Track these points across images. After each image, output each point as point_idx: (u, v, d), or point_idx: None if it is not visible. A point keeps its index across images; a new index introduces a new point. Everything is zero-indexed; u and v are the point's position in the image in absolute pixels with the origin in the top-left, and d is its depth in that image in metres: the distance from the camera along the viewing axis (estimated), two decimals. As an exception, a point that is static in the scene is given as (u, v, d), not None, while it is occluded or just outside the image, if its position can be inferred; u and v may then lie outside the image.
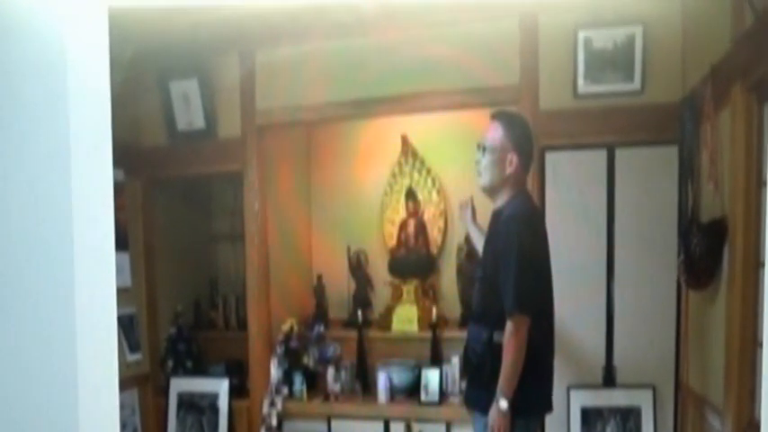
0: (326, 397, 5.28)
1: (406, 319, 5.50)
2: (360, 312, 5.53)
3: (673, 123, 4.24)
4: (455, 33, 4.66)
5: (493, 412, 3.52)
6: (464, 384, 4.59)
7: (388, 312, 5.62)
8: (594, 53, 4.40)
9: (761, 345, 3.18)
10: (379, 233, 6.00)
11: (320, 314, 5.82)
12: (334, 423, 5.18)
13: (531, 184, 4.10)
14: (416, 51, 4.77)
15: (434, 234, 5.83)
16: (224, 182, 6.09)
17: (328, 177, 6.17)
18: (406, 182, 5.85)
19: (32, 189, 1.52)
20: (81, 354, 1.53)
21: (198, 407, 5.49)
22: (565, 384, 4.51)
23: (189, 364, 5.71)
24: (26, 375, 1.57)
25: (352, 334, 5.54)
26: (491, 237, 3.72)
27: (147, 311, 5.65)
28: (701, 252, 3.69)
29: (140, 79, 5.34)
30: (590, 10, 4.41)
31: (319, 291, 5.92)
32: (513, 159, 3.58)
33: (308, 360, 5.35)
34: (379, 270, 5.88)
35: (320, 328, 5.43)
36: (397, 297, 5.67)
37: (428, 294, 5.69)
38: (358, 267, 5.86)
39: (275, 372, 5.24)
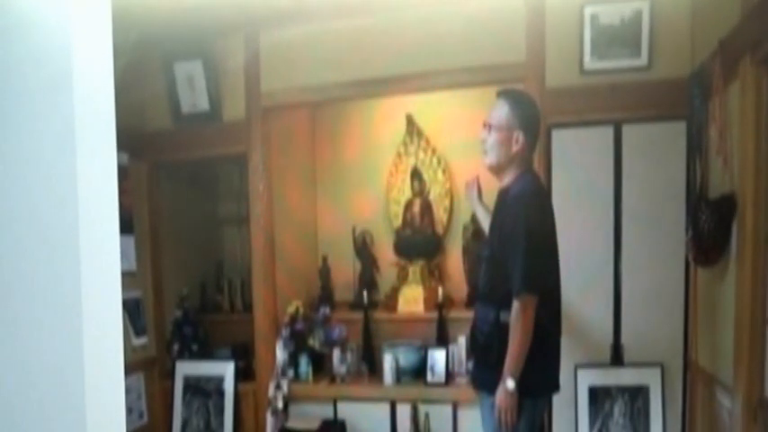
0: (332, 379, 5.28)
1: (412, 299, 5.49)
2: (365, 293, 5.53)
3: (681, 98, 4.22)
4: (460, 12, 4.64)
5: (500, 392, 3.51)
6: (471, 365, 4.58)
7: (394, 293, 5.62)
8: (601, 29, 4.38)
9: (771, 322, 3.17)
10: (385, 213, 6.01)
11: (326, 296, 5.83)
12: (340, 405, 5.18)
13: (537, 162, 4.09)
14: (421, 30, 4.75)
15: (440, 214, 5.83)
16: (229, 164, 6.10)
17: (333, 158, 6.18)
18: (411, 161, 5.85)
19: (37, 173, 1.50)
20: (87, 338, 1.51)
21: (204, 390, 5.49)
22: (572, 363, 4.51)
23: (195, 347, 5.73)
24: (32, 360, 1.56)
25: (358, 315, 5.54)
26: (497, 216, 3.70)
27: (153, 295, 5.66)
28: (709, 228, 3.67)
29: (145, 62, 5.33)
30: (596, -15, 4.39)
31: (325, 272, 5.92)
32: (519, 138, 3.55)
33: (314, 342, 5.35)
34: (384, 251, 5.89)
35: (326, 310, 5.43)
36: (402, 278, 5.68)
37: (434, 274, 5.70)
38: (363, 248, 5.87)
39: (281, 354, 5.24)
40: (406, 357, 5.23)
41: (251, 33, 5.17)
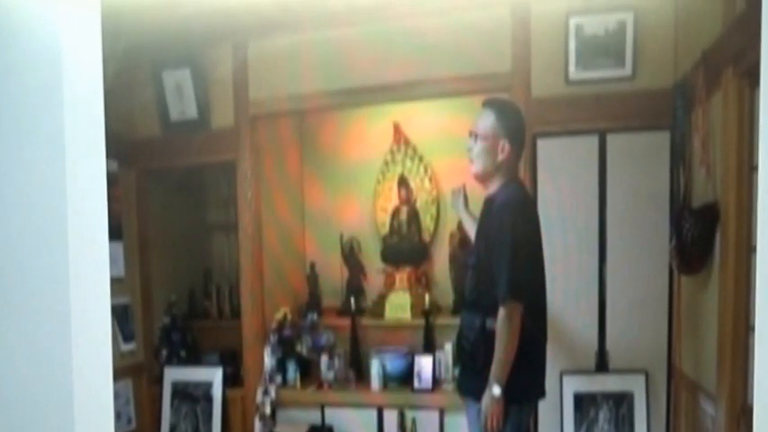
0: (320, 385, 5.29)
1: (398, 306, 5.50)
2: (353, 300, 5.53)
3: (664, 109, 4.25)
4: (447, 22, 4.66)
5: (486, 399, 3.54)
6: (457, 371, 4.61)
7: (381, 300, 5.62)
8: (586, 40, 4.41)
9: (753, 329, 3.19)
10: (372, 221, 6.00)
11: (313, 302, 5.82)
12: (327, 411, 5.19)
13: (523, 170, 4.11)
14: (408, 40, 4.77)
15: (427, 221, 5.83)
16: (217, 172, 6.09)
17: (321, 166, 6.17)
18: (398, 170, 5.85)
19: (27, 180, 1.52)
20: (75, 344, 1.53)
21: (192, 396, 5.49)
22: (557, 370, 4.53)
23: (183, 353, 5.72)
24: (21, 366, 1.57)
25: (346, 322, 5.53)
26: (483, 224, 3.73)
27: (142, 301, 5.65)
28: (693, 237, 3.70)
29: (134, 71, 5.33)
30: (581, -4, 4.43)
31: (312, 279, 5.92)
32: (505, 146, 3.59)
33: (302, 348, 5.35)
34: (371, 258, 5.89)
35: (313, 317, 5.44)
36: (389, 285, 5.67)
37: (421, 282, 5.69)
38: (351, 255, 5.87)
39: (269, 360, 5.25)
40: (393, 364, 5.24)
41: (239, 42, 5.18)
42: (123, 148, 5.32)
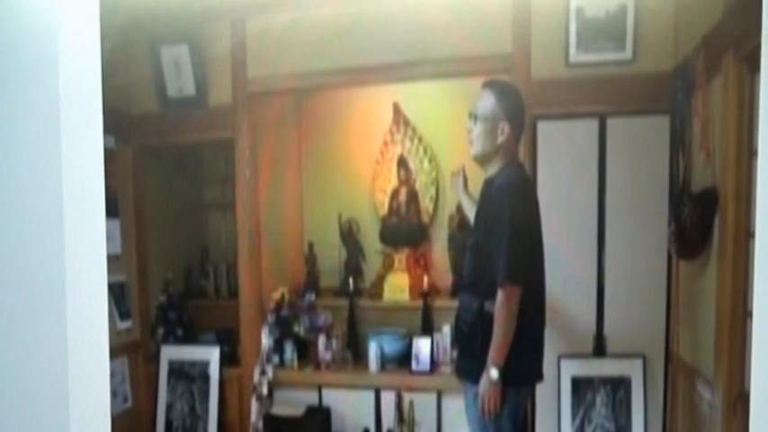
0: (317, 366, 5.29)
1: (397, 287, 5.50)
2: (351, 281, 5.54)
3: (664, 93, 4.24)
4: (448, 2, 4.65)
5: (484, 382, 3.53)
6: (455, 354, 4.61)
7: (380, 281, 5.63)
8: (586, 22, 4.39)
9: (751, 315, 3.19)
10: (371, 201, 6.00)
11: (311, 282, 5.83)
12: (324, 392, 5.20)
13: (522, 153, 4.10)
14: (409, 20, 4.75)
15: (426, 203, 5.83)
16: (215, 150, 6.08)
17: (319, 145, 6.17)
18: (397, 150, 5.85)
19: (22, 157, 1.51)
20: (71, 321, 1.52)
21: (189, 375, 5.49)
22: (555, 354, 4.53)
23: (179, 332, 5.72)
24: (15, 344, 1.56)
25: (344, 303, 5.55)
26: (482, 206, 3.72)
27: (138, 279, 5.64)
28: (691, 222, 3.69)
29: (131, 46, 5.31)
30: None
31: (311, 259, 5.92)
32: (504, 128, 3.56)
33: (299, 329, 5.35)
34: (370, 239, 5.89)
35: (311, 297, 5.44)
36: (388, 266, 5.68)
37: (419, 263, 5.70)
38: (349, 236, 5.87)
39: (266, 340, 5.25)
40: (391, 345, 5.25)
41: (237, 19, 5.15)
42: (120, 124, 5.31)
